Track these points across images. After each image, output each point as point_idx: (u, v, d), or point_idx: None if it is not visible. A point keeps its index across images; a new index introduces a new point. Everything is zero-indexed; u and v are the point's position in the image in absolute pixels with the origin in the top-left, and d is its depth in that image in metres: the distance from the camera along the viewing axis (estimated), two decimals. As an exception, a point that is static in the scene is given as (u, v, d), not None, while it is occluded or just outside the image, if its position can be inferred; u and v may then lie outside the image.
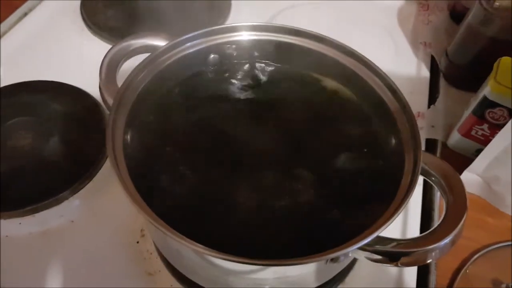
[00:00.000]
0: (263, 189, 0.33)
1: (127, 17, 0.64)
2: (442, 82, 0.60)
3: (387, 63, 0.59)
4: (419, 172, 0.31)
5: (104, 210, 0.45)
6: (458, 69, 0.58)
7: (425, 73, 0.62)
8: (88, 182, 0.46)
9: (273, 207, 0.32)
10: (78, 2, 0.66)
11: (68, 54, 0.60)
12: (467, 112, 0.49)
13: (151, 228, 0.38)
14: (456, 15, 0.67)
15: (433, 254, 0.28)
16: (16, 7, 0.64)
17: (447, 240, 0.28)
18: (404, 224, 0.44)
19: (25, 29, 0.63)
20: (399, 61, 0.63)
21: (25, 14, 0.64)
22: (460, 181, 0.31)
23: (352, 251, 0.28)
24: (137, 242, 0.43)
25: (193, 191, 0.33)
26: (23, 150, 0.47)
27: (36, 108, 0.51)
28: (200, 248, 0.26)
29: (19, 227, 0.44)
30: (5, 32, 0.62)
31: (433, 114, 0.56)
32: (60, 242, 0.43)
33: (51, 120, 0.50)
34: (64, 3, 0.66)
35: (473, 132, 0.49)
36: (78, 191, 0.46)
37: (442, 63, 0.61)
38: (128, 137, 0.34)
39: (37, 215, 0.44)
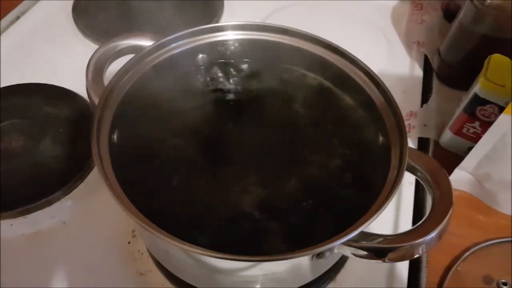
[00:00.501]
0: (248, 186, 0.33)
1: (119, 19, 0.64)
2: (435, 81, 0.60)
3: (380, 63, 0.61)
4: (405, 168, 0.31)
5: (95, 211, 0.45)
6: (450, 67, 0.58)
7: (418, 72, 0.62)
8: (80, 183, 0.46)
9: (258, 204, 0.32)
10: (70, 5, 0.66)
11: (60, 56, 0.60)
12: (459, 110, 0.49)
13: (140, 228, 0.38)
14: (450, 14, 0.67)
15: (420, 248, 0.28)
16: (9, 11, 0.64)
17: (433, 234, 0.28)
18: (396, 221, 0.44)
19: (18, 32, 0.63)
20: (392, 60, 0.63)
21: (18, 18, 0.65)
22: (446, 176, 0.31)
23: (338, 247, 0.28)
24: (129, 243, 0.43)
25: (179, 191, 0.33)
26: (15, 152, 0.48)
27: (28, 110, 0.52)
28: (182, 244, 0.26)
29: (11, 229, 0.44)
30: (-3, 36, 0.62)
31: (426, 113, 0.56)
32: (52, 243, 0.43)
33: (43, 122, 0.50)
34: (56, 7, 0.67)
35: (464, 130, 0.49)
36: (70, 192, 0.46)
37: (434, 62, 0.61)
38: (115, 137, 0.34)
39: (28, 216, 0.44)
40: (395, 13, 0.71)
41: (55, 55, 0.61)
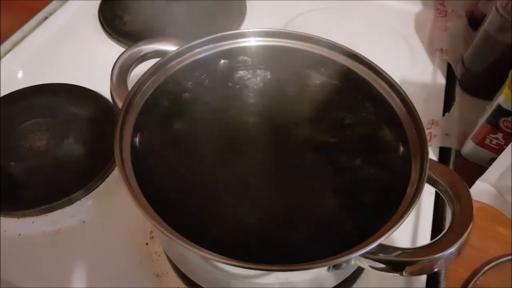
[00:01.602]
0: (268, 196, 0.33)
1: (144, 22, 0.65)
2: (458, 90, 0.59)
3: (402, 69, 0.60)
4: (425, 180, 0.30)
5: (115, 211, 0.46)
6: (473, 76, 0.57)
7: (441, 80, 0.61)
8: (101, 183, 0.47)
9: (277, 214, 0.32)
10: (97, 7, 0.67)
11: (86, 58, 0.62)
12: (482, 121, 0.48)
13: (157, 231, 0.39)
14: (475, 22, 0.66)
15: (439, 263, 0.28)
16: (37, 12, 0.66)
17: (452, 249, 0.28)
18: (415, 232, 0.44)
19: (45, 33, 0.64)
20: (414, 67, 0.62)
21: (45, 18, 0.66)
22: (467, 190, 0.30)
23: (355, 258, 0.28)
24: (146, 244, 0.44)
25: (200, 196, 0.33)
26: (38, 150, 0.49)
27: (52, 110, 0.53)
28: (199, 251, 0.26)
29: (32, 226, 0.45)
30: (25, 36, 0.63)
31: (448, 122, 0.55)
32: (71, 241, 0.44)
33: (67, 122, 0.51)
34: (83, 8, 0.68)
35: (487, 141, 0.48)
36: (91, 191, 0.47)
37: (458, 71, 0.60)
38: (137, 140, 0.34)
39: (50, 214, 0.45)
40: (418, 19, 0.70)
41: (81, 56, 0.62)
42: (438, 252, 0.28)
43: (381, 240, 0.27)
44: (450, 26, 0.68)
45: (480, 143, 0.49)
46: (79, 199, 0.46)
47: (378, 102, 0.36)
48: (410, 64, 0.62)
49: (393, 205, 0.30)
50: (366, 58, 0.37)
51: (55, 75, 0.57)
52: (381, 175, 0.33)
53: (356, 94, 0.38)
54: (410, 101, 0.34)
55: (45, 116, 0.52)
